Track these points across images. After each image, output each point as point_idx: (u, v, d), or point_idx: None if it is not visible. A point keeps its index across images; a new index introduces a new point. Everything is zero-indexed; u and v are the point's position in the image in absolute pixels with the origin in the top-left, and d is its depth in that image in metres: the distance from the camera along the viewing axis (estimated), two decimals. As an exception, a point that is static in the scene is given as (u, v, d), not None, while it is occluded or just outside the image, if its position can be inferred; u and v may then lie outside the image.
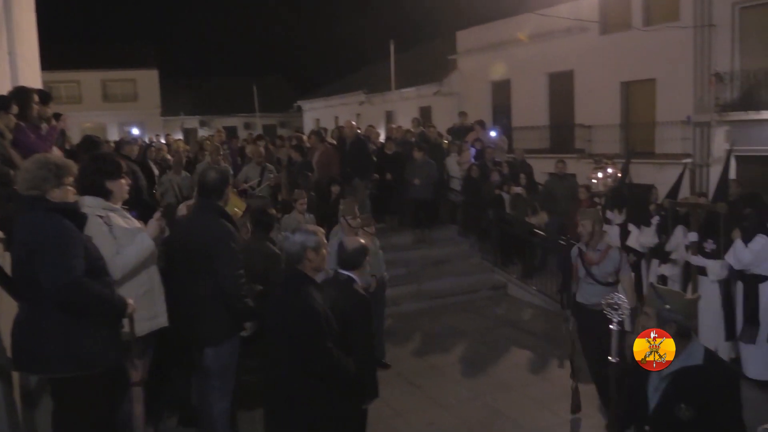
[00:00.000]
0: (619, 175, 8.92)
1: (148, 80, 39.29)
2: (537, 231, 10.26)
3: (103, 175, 4.03)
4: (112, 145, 10.71)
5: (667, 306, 2.93)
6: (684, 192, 8.52)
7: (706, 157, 15.34)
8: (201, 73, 44.47)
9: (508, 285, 10.54)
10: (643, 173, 14.27)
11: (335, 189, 9.83)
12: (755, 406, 5.41)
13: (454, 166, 12.42)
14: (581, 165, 17.38)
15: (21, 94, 6.10)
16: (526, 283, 10.26)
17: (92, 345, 3.48)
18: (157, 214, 4.20)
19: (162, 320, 4.26)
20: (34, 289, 3.39)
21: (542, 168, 14.02)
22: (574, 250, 5.84)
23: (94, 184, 3.98)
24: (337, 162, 10.75)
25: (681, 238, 7.11)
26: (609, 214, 8.74)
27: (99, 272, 3.53)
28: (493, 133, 13.82)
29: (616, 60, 17.12)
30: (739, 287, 6.52)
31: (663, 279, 7.38)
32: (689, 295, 5.57)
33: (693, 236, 6.68)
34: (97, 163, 4.10)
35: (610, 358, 3.13)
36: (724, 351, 6.54)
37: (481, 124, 13.91)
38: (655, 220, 7.68)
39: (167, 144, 15.70)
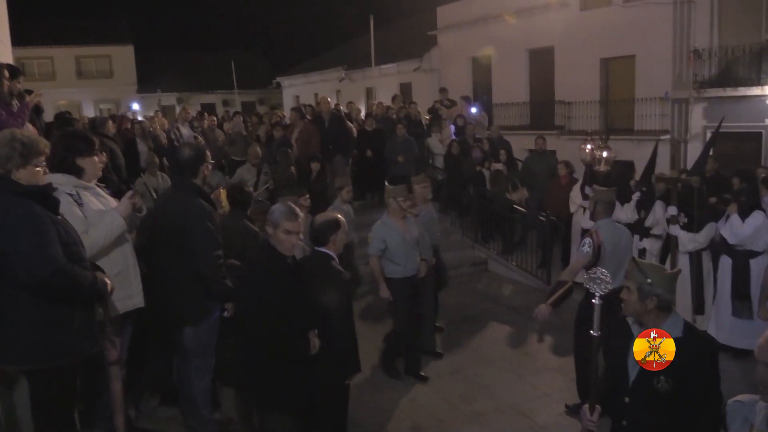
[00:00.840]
0: (607, 154, 8.95)
1: (123, 56, 38.48)
2: (517, 207, 10.30)
3: (74, 152, 3.91)
4: (86, 121, 10.53)
5: (649, 280, 2.95)
6: (663, 168, 8.58)
7: (684, 133, 15.45)
8: (178, 49, 43.48)
9: (488, 261, 10.60)
10: (622, 150, 14.33)
11: (315, 166, 9.77)
12: (733, 377, 5.52)
13: (435, 143, 12.39)
14: (561, 141, 17.45)
15: (-11, 68, 5.91)
16: (506, 259, 10.32)
17: (65, 335, 3.37)
18: (130, 192, 4.09)
19: (137, 301, 4.19)
20: (2, 279, 3.25)
21: (522, 144, 14.03)
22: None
23: (65, 161, 3.85)
24: (317, 139, 10.68)
25: (660, 213, 7.18)
26: (587, 191, 8.78)
27: (74, 258, 3.37)
28: (474, 110, 13.78)
29: (596, 36, 17.08)
30: (725, 262, 6.60)
31: (642, 253, 7.46)
32: (669, 269, 5.62)
33: (672, 210, 6.77)
34: (68, 140, 3.98)
35: (591, 332, 3.15)
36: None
37: (467, 99, 13.86)
38: (636, 196, 7.74)
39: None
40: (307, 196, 7.01)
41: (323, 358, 3.85)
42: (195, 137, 10.78)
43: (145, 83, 38.51)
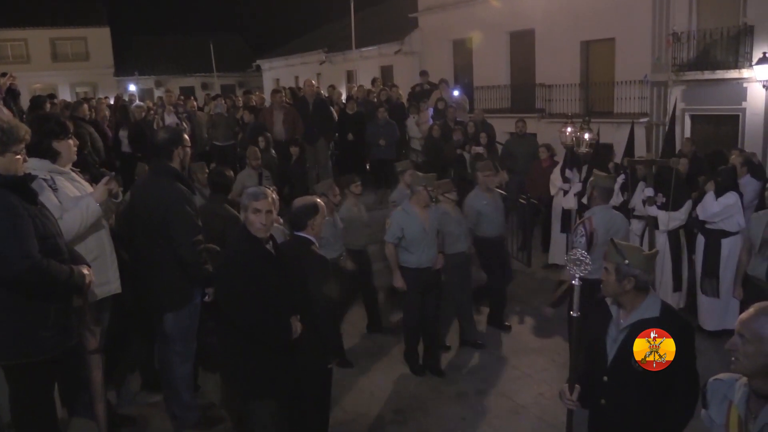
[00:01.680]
0: (588, 135, 9.02)
1: (99, 38, 37.66)
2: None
3: (50, 135, 3.82)
4: (56, 103, 10.33)
5: (626, 261, 2.99)
6: (641, 150, 8.66)
7: (663, 116, 15.58)
8: (156, 31, 42.71)
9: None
10: (602, 132, 14.40)
11: (294, 150, 9.72)
12: (709, 357, 5.63)
13: (414, 126, 12.37)
14: (542, 124, 17.50)
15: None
16: (487, 242, 10.35)
17: (41, 330, 3.31)
18: (106, 178, 4.03)
19: (114, 287, 4.15)
20: None
21: (503, 128, 14.05)
22: None
23: (40, 144, 3.76)
24: (300, 122, 10.62)
25: (641, 195, 7.26)
26: (568, 173, 8.85)
27: (51, 252, 3.29)
28: (456, 93, 13.77)
29: (577, 19, 17.10)
30: (700, 241, 6.71)
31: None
32: (647, 250, 5.70)
33: (649, 191, 6.88)
34: (43, 123, 3.89)
35: (571, 312, 3.18)
36: (673, 302, 6.77)
37: (446, 82, 13.83)
38: (621, 178, 7.81)
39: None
40: (359, 182, 7.00)
41: (306, 342, 3.85)
42: (177, 124, 10.43)
43: (123, 66, 37.86)
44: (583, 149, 8.93)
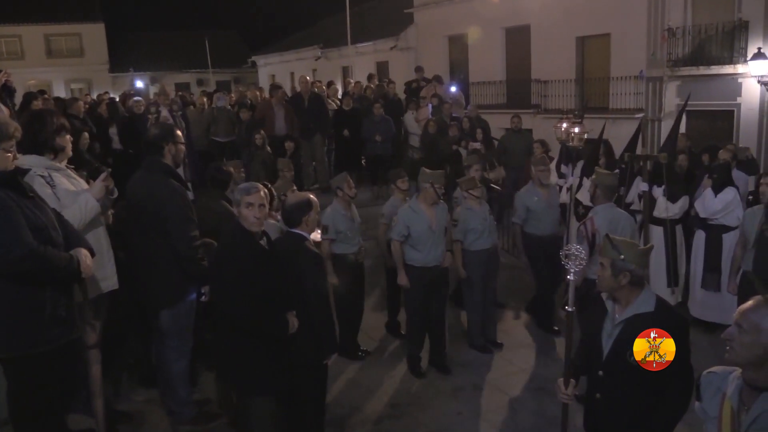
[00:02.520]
0: (578, 129, 9.02)
1: (94, 34, 37.53)
2: (494, 186, 10.34)
3: (56, 131, 3.82)
4: (48, 99, 10.25)
5: (622, 256, 3.01)
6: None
7: (658, 111, 15.62)
8: (151, 27, 42.52)
9: (465, 239, 10.64)
10: (597, 128, 14.43)
11: (289, 145, 9.71)
12: (703, 350, 5.66)
13: (412, 122, 12.36)
14: (537, 120, 17.54)
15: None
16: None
17: (37, 323, 3.29)
18: (103, 175, 4.03)
19: (111, 283, 4.15)
20: None
21: (499, 123, 14.07)
22: None
23: (36, 141, 3.76)
24: (296, 119, 10.64)
25: (637, 190, 7.28)
26: (563, 169, 8.85)
27: (46, 243, 3.27)
28: (453, 88, 13.78)
29: (572, 15, 17.12)
30: (699, 236, 6.73)
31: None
32: (642, 245, 5.72)
33: (644, 186, 6.88)
34: (46, 119, 3.88)
35: (567, 307, 3.20)
36: (666, 298, 6.79)
37: (438, 79, 13.83)
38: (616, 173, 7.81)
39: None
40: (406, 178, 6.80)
41: (301, 338, 3.86)
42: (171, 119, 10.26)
43: (117, 63, 37.76)
44: (575, 143, 8.94)
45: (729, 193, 6.45)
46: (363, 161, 11.95)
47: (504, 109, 17.56)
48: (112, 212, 4.53)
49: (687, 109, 13.88)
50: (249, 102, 12.30)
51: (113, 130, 10.37)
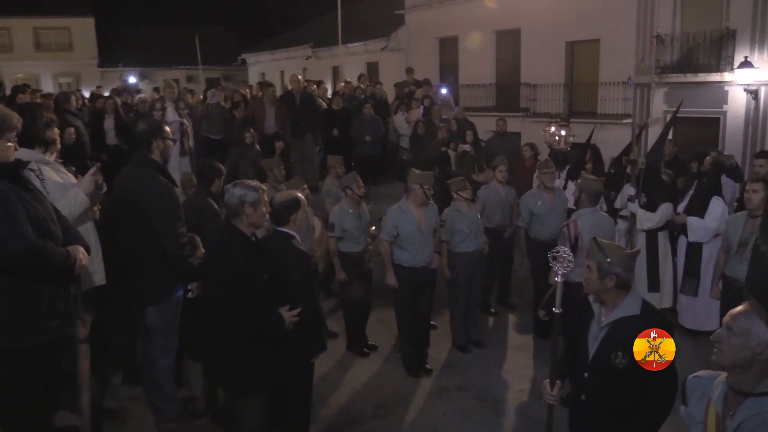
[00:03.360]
0: (565, 133, 9.10)
1: (83, 28, 37.22)
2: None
3: (47, 124, 3.80)
4: (34, 94, 10.16)
5: (608, 259, 3.04)
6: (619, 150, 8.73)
7: (646, 117, 15.74)
8: (140, 22, 42.24)
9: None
10: (585, 133, 14.52)
11: (279, 145, 9.70)
12: (687, 355, 5.72)
13: (402, 123, 12.39)
14: (526, 124, 17.62)
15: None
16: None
17: (33, 314, 3.27)
18: (93, 169, 4.02)
19: (99, 278, 4.14)
20: None
21: (488, 126, 14.11)
22: None
23: (26, 135, 3.73)
24: (288, 119, 10.63)
25: (626, 195, 7.34)
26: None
27: (45, 236, 3.27)
28: (444, 90, 13.83)
29: (562, 19, 17.22)
30: (682, 242, 6.78)
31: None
32: (629, 249, 5.78)
33: (630, 190, 6.96)
34: (37, 112, 3.86)
35: (554, 309, 3.23)
36: (653, 302, 6.83)
37: (427, 83, 13.90)
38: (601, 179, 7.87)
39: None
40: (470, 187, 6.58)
41: (289, 337, 3.86)
42: (182, 123, 9.53)
43: (107, 57, 37.44)
44: (561, 146, 9.02)
45: (717, 206, 6.43)
46: (352, 161, 11.93)
47: (493, 112, 17.60)
48: (99, 207, 4.51)
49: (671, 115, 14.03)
50: (242, 99, 12.20)
51: (109, 125, 10.30)
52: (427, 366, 6.06)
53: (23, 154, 3.67)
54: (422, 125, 11.43)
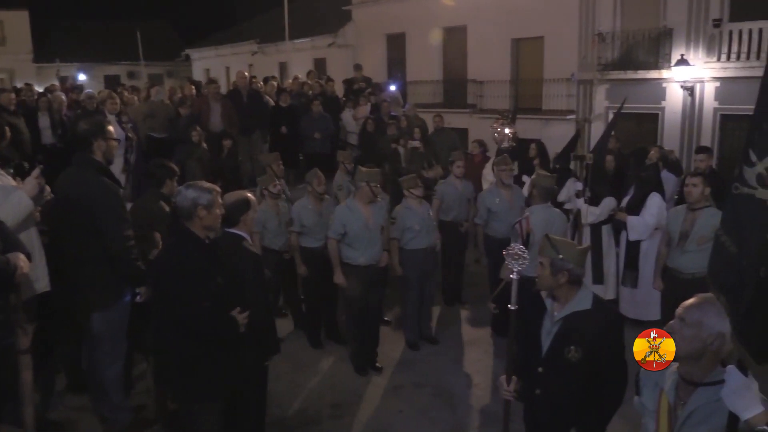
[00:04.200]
0: (509, 130, 9.25)
1: (17, 22, 35.58)
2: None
3: None
4: None
5: (560, 255, 3.09)
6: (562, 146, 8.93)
7: (589, 113, 16.15)
8: (78, 15, 40.74)
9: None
10: (530, 128, 14.83)
11: (227, 143, 9.54)
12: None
13: (350, 120, 12.35)
14: (474, 120, 17.82)
15: None
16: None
17: None
18: (36, 172, 3.85)
19: (43, 284, 3.98)
20: None
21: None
22: None
23: None
24: (236, 115, 10.44)
25: (572, 189, 7.49)
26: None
27: None
28: (392, 87, 13.86)
29: (508, 16, 17.47)
30: (623, 235, 6.96)
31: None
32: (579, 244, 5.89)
33: (578, 185, 7.11)
34: None
35: (509, 305, 3.26)
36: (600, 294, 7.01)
37: (380, 86, 13.94)
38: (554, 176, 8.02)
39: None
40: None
41: (243, 340, 3.79)
42: (127, 137, 8.93)
43: (42, 52, 35.97)
44: (506, 144, 9.16)
45: (654, 203, 6.57)
46: (301, 158, 11.84)
47: (441, 108, 17.74)
48: (39, 210, 4.33)
49: (615, 112, 14.44)
50: (185, 96, 11.85)
51: (44, 123, 9.85)
52: (377, 365, 6.05)
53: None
54: (371, 122, 11.42)
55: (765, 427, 1.87)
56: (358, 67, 14.76)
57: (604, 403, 3.13)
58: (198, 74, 31.84)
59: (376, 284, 5.99)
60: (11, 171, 4.11)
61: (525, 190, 8.00)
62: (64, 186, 4.27)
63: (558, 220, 5.80)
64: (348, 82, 14.26)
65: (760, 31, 13.10)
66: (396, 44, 21.72)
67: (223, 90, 12.48)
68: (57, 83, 16.54)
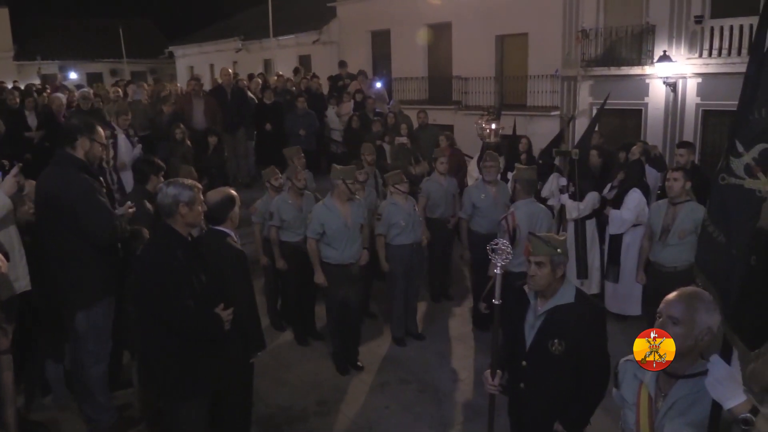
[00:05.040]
0: (494, 126, 9.28)
1: (-4, 19, 35.24)
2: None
3: None
4: None
5: (559, 250, 3.09)
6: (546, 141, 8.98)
7: (573, 109, 16.25)
8: (60, 12, 40.34)
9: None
10: (516, 125, 14.85)
11: (212, 140, 9.47)
12: (617, 339, 5.93)
13: (334, 117, 12.32)
14: (458, 116, 17.87)
15: None
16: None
17: None
18: (15, 170, 3.81)
19: (24, 284, 3.95)
20: None
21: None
22: None
23: None
24: (220, 112, 10.38)
25: (555, 185, 7.52)
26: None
27: None
28: (378, 84, 13.84)
29: (492, 13, 17.52)
30: (608, 231, 7.01)
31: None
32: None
33: (563, 181, 7.14)
34: None
35: (494, 300, 3.28)
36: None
37: (363, 74, 13.86)
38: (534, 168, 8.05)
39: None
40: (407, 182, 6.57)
41: (228, 337, 3.77)
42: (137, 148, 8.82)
43: (23, 50, 35.49)
44: (491, 140, 9.18)
45: (633, 197, 6.65)
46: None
47: (426, 105, 17.77)
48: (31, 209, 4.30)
49: (599, 108, 14.54)
50: (169, 94, 11.75)
51: (31, 122, 9.74)
52: (359, 363, 6.03)
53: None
54: (357, 119, 11.40)
55: (748, 415, 1.89)
56: (342, 64, 14.72)
57: (588, 395, 3.15)
58: (181, 71, 31.64)
59: (356, 283, 5.97)
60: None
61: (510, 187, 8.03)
62: (44, 184, 4.23)
63: (543, 215, 5.82)
64: (333, 79, 14.22)
65: (741, 27, 13.25)
66: (381, 41, 21.71)
67: (207, 87, 12.37)
68: (39, 81, 16.35)
